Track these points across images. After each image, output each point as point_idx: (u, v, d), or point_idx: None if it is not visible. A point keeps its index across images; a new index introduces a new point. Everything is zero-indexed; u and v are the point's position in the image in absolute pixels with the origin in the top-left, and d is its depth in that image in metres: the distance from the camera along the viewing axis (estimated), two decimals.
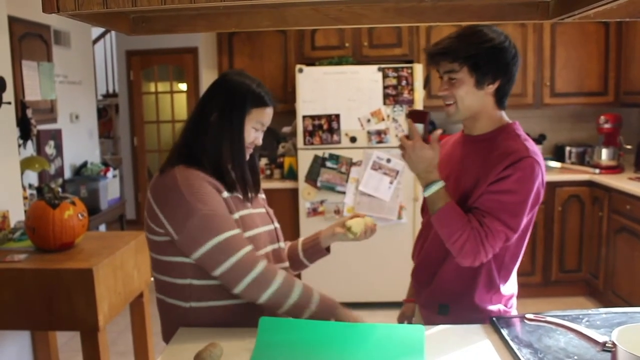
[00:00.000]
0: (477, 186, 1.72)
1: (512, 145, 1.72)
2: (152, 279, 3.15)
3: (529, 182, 1.67)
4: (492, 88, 1.74)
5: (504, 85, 1.75)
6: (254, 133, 1.75)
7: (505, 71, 1.73)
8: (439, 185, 1.70)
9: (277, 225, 1.91)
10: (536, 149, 1.72)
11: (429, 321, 1.86)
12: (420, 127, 1.72)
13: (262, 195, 1.95)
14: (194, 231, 1.60)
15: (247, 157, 1.78)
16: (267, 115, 1.76)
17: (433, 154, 1.69)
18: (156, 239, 1.69)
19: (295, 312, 1.64)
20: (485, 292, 1.79)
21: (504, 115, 1.82)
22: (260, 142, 1.80)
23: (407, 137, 1.73)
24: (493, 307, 1.80)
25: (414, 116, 1.73)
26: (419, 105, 4.37)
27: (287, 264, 1.90)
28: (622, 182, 4.19)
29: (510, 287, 1.85)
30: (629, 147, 4.71)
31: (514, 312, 1.86)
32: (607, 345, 1.29)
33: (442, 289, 1.84)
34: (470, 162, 1.79)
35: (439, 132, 1.73)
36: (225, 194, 1.69)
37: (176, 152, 1.74)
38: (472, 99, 1.74)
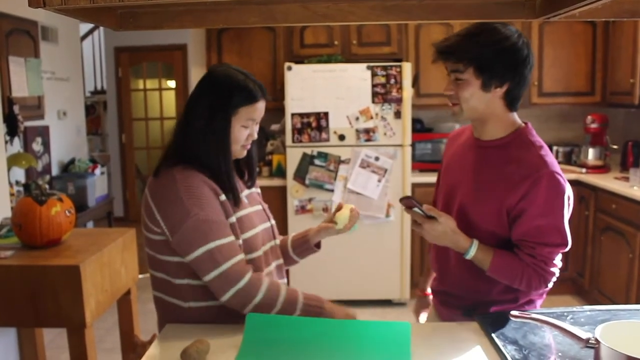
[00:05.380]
0: (500, 210, 1.67)
1: (527, 157, 1.67)
2: (140, 276, 3.16)
3: (558, 198, 1.63)
4: (500, 91, 1.66)
5: (513, 88, 1.66)
6: (245, 131, 1.71)
7: (515, 73, 1.64)
8: (475, 246, 1.67)
9: (273, 222, 1.90)
10: (552, 158, 1.68)
11: (447, 319, 1.87)
12: (416, 209, 1.70)
13: (257, 190, 1.94)
14: (188, 235, 1.59)
15: (244, 154, 1.75)
16: (257, 110, 1.71)
17: (444, 224, 1.66)
18: (153, 238, 1.68)
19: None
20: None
21: (516, 118, 1.75)
22: (255, 135, 1.75)
23: (415, 222, 1.71)
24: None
25: (406, 202, 1.71)
26: (407, 103, 4.37)
27: (281, 260, 1.90)
28: (608, 182, 4.22)
29: None
30: (615, 147, 4.75)
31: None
32: (590, 341, 1.30)
33: (477, 299, 1.80)
34: (484, 173, 1.74)
35: (427, 206, 1.69)
36: (223, 197, 1.66)
37: (170, 153, 1.71)
38: (477, 101, 1.67)
